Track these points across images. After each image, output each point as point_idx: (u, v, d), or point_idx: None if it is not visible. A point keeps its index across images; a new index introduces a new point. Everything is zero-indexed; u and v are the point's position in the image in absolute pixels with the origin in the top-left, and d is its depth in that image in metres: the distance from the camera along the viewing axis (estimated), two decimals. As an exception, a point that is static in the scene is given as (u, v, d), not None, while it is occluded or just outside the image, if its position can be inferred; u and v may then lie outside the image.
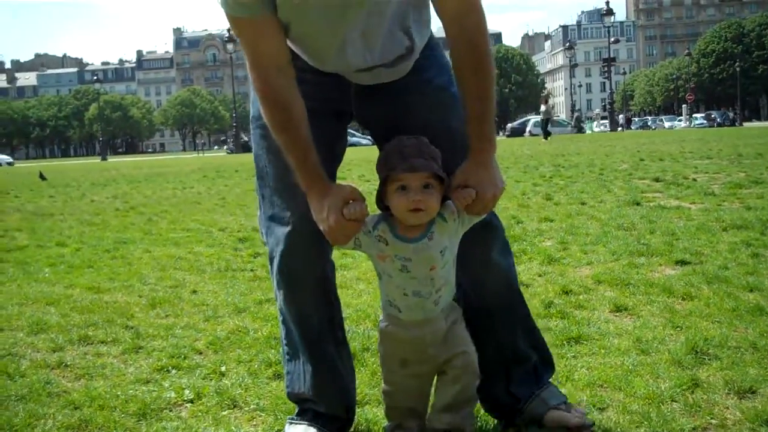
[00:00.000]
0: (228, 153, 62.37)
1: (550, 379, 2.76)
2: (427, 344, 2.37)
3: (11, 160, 70.81)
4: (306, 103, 2.35)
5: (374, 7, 2.24)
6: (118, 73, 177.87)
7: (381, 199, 2.30)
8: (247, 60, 2.30)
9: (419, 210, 2.21)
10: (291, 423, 2.65)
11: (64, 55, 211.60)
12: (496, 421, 2.74)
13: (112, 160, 64.94)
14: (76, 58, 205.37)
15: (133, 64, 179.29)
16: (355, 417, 2.75)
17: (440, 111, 2.50)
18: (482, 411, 2.76)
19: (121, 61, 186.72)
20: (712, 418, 2.70)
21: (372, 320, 4.20)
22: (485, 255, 2.60)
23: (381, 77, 2.46)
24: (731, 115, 73.81)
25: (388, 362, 2.46)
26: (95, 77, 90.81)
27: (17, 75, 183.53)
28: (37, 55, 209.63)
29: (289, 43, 2.35)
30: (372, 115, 2.57)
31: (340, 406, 2.66)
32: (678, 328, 3.79)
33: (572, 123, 61.08)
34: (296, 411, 2.69)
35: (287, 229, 2.46)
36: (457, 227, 2.34)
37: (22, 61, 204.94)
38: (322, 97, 2.48)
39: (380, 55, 2.36)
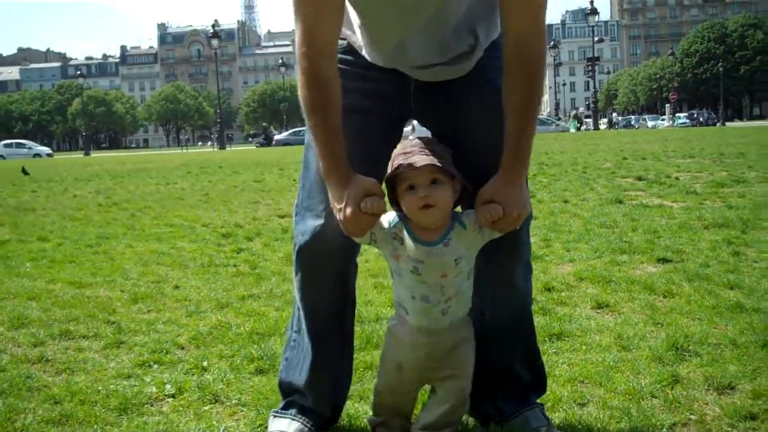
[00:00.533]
0: (257, 146, 62.96)
1: (539, 400, 2.73)
2: (427, 355, 2.35)
3: (50, 151, 69.46)
4: (365, 102, 2.41)
5: (446, 3, 2.25)
6: (101, 68, 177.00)
7: (396, 202, 2.31)
8: (298, 38, 2.27)
9: (429, 206, 2.21)
10: (275, 416, 2.64)
11: (48, 50, 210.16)
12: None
13: (95, 155, 64.60)
14: (60, 53, 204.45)
15: (117, 59, 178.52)
16: (339, 417, 2.72)
17: (496, 114, 2.42)
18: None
19: (105, 56, 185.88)
20: (691, 414, 2.73)
21: (357, 318, 4.19)
22: (510, 275, 2.59)
23: (440, 75, 2.46)
24: (705, 114, 73.78)
25: (386, 362, 2.46)
26: (78, 72, 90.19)
27: (0, 69, 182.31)
28: (20, 50, 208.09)
29: (355, 35, 2.42)
30: (428, 109, 2.55)
31: (327, 404, 2.64)
32: (659, 325, 3.82)
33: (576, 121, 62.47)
34: (281, 404, 2.68)
35: (319, 222, 2.46)
36: (476, 238, 2.31)
37: (4, 55, 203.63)
38: (383, 95, 2.50)
39: (441, 52, 2.38)
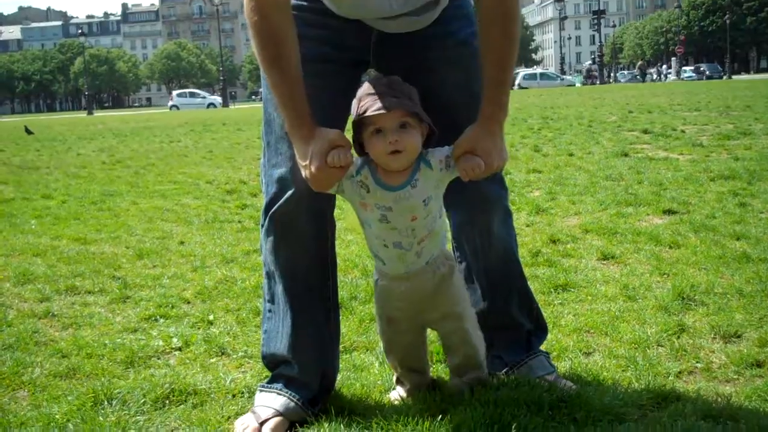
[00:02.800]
0: None
1: (542, 347, 2.72)
2: (412, 301, 2.32)
3: (220, 100, 65.96)
4: (324, 49, 2.29)
5: None
6: (103, 27, 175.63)
7: (360, 145, 2.20)
8: None
9: (398, 152, 2.12)
10: (261, 390, 2.49)
11: (48, 8, 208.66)
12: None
13: (99, 114, 64.42)
14: (61, 11, 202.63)
15: (118, 17, 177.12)
16: (333, 388, 2.56)
17: (460, 68, 2.39)
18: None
19: (106, 14, 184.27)
20: (697, 362, 2.73)
21: (360, 269, 4.21)
22: (486, 224, 2.54)
23: (405, 26, 2.35)
24: (683, 68, 70.80)
25: (379, 320, 2.43)
26: (80, 30, 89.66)
27: (0, 29, 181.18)
28: (21, 8, 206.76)
29: None
30: (390, 66, 2.40)
31: (315, 371, 2.46)
32: (665, 275, 3.81)
33: (636, 72, 61.29)
34: (268, 378, 2.53)
35: (289, 180, 2.35)
36: (443, 176, 2.23)
37: (5, 14, 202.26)
38: (342, 44, 2.37)
39: (406, 2, 2.26)
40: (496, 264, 2.61)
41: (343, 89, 2.34)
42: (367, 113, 2.10)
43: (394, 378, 2.57)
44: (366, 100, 2.12)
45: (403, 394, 2.51)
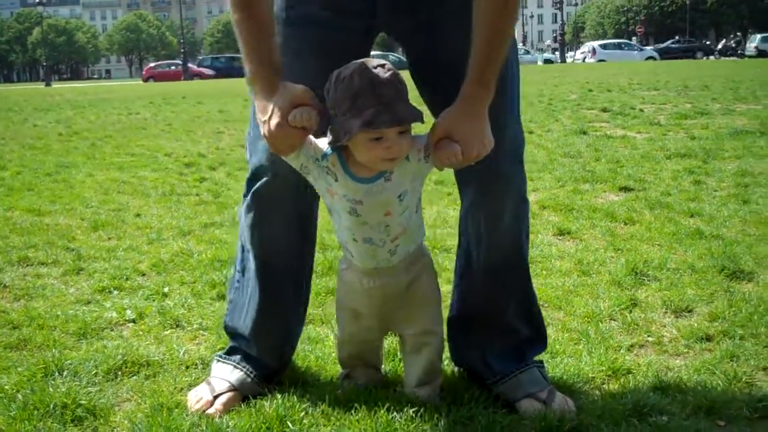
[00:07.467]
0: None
1: (537, 357, 2.41)
2: (383, 297, 2.16)
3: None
4: (326, 14, 2.13)
5: None
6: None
7: (338, 138, 1.92)
8: None
9: (394, 159, 1.93)
10: (218, 361, 2.44)
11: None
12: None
13: (57, 86, 63.27)
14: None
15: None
16: (289, 364, 2.52)
17: (466, 21, 2.06)
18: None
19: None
20: (649, 336, 2.77)
21: (320, 244, 4.18)
22: (495, 208, 2.25)
23: None
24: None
25: (342, 311, 2.28)
26: (38, 0, 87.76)
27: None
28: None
29: None
30: (399, 28, 2.25)
31: (274, 354, 2.42)
32: (619, 251, 3.85)
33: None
34: (226, 348, 2.48)
35: (275, 153, 2.17)
36: (421, 167, 2.01)
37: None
38: (348, 9, 2.17)
39: None
40: (500, 258, 2.31)
41: (349, 59, 1.99)
42: (376, 125, 1.85)
43: (341, 374, 2.41)
44: (369, 100, 1.85)
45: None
